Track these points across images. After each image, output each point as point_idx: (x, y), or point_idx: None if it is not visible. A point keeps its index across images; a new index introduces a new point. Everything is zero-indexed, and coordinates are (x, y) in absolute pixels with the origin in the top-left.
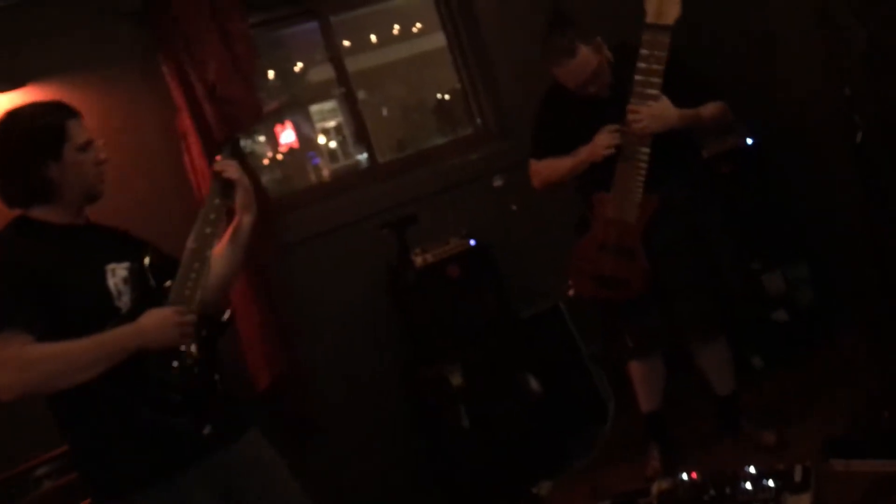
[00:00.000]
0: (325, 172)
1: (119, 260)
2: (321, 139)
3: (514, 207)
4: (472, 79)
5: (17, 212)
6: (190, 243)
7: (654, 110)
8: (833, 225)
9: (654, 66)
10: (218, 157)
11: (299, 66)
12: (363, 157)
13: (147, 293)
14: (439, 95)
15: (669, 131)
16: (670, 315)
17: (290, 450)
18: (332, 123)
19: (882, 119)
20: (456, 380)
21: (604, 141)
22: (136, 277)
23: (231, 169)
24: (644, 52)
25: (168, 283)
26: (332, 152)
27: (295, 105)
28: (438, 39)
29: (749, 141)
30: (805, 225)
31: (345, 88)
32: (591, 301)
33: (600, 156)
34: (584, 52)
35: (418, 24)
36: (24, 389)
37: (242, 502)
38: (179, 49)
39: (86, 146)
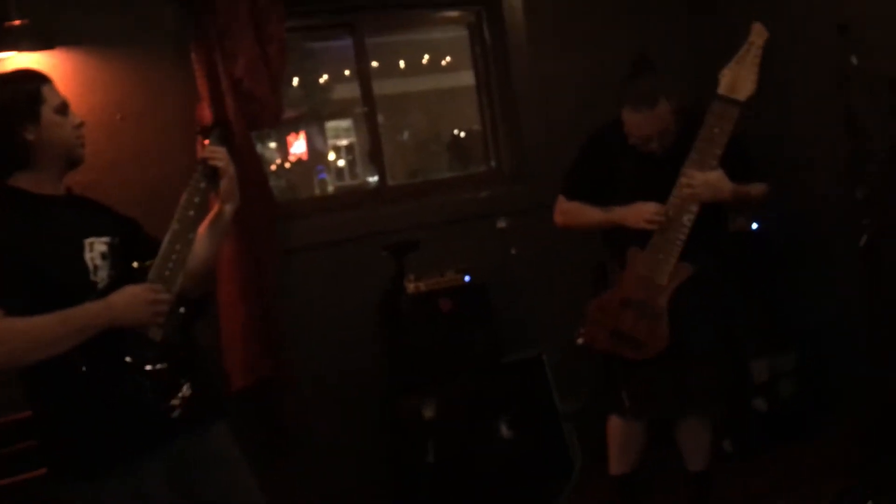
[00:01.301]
0: (330, 189)
1: (99, 234)
2: (331, 155)
3: (514, 251)
4: (494, 120)
5: None
6: (173, 224)
7: (710, 179)
8: (828, 322)
9: (718, 137)
10: (206, 142)
11: (324, 78)
12: (372, 179)
13: (126, 271)
14: (456, 131)
15: (713, 204)
16: (677, 384)
17: (258, 454)
18: (344, 142)
19: (890, 227)
20: (428, 413)
21: (647, 216)
22: (116, 253)
23: (219, 156)
24: (710, 120)
25: (148, 262)
26: (339, 170)
27: (312, 118)
28: (464, 78)
29: (755, 225)
30: (799, 317)
31: (367, 108)
32: (600, 353)
33: (637, 226)
34: (663, 107)
35: (448, 58)
36: None
37: (201, 498)
38: (212, 39)
39: (62, 108)
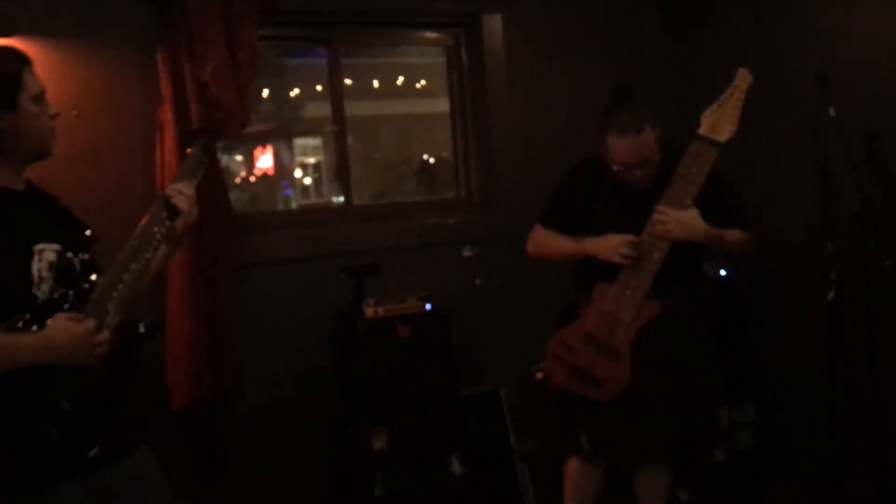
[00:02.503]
0: (294, 206)
1: (50, 240)
2: (297, 173)
3: (478, 282)
4: (466, 146)
5: None
6: (133, 240)
7: (683, 217)
8: (790, 375)
9: (694, 177)
10: (188, 150)
11: (295, 92)
12: (337, 199)
13: (71, 285)
14: (426, 157)
15: (686, 244)
16: (636, 430)
17: (195, 476)
18: (311, 160)
19: (858, 282)
20: (378, 444)
21: (620, 249)
22: (64, 265)
23: (182, 199)
24: (687, 159)
25: (94, 276)
26: (305, 188)
27: (281, 133)
28: (436, 105)
29: (723, 272)
30: (762, 369)
31: (337, 126)
32: (558, 389)
33: (608, 259)
34: (649, 134)
35: (423, 82)
36: None
37: None
38: (181, 41)
39: (40, 97)
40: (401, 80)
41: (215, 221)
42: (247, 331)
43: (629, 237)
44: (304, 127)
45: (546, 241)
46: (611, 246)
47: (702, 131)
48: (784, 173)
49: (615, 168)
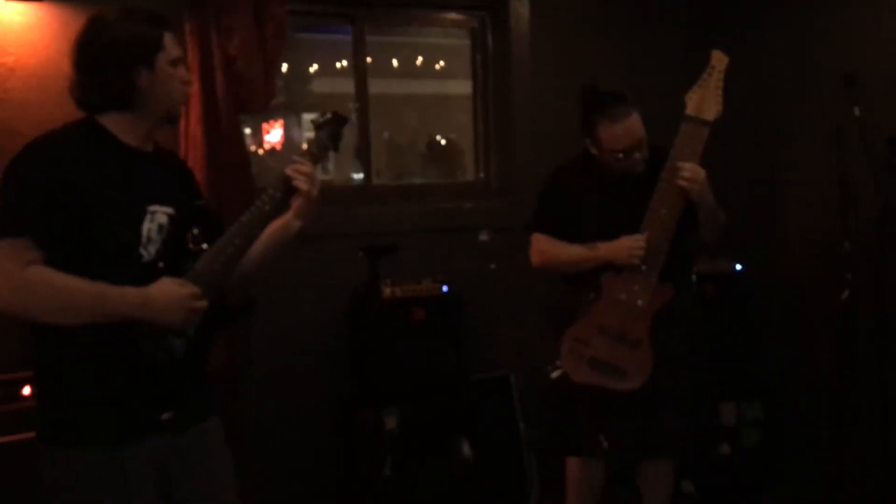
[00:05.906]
0: None
1: (164, 202)
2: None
3: (493, 266)
4: (487, 130)
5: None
6: (243, 216)
7: (702, 175)
8: (799, 374)
9: (688, 159)
10: (314, 133)
11: (314, 68)
12: (349, 175)
13: (177, 250)
14: (438, 138)
15: (683, 228)
16: (651, 425)
17: None
18: None
19: (873, 284)
20: (390, 424)
21: (635, 252)
22: (173, 229)
23: (300, 179)
24: (679, 142)
25: (203, 245)
26: None
27: (292, 108)
28: (453, 86)
29: (738, 267)
30: (772, 366)
31: (360, 104)
32: (580, 388)
33: (624, 262)
34: (637, 116)
35: (441, 63)
36: (11, 309)
37: (179, 490)
38: (209, 12)
39: (177, 62)
40: (420, 60)
41: (236, 196)
42: (263, 307)
43: (641, 237)
44: (315, 102)
45: (553, 249)
46: (625, 248)
47: (690, 112)
48: (805, 173)
49: (618, 157)
